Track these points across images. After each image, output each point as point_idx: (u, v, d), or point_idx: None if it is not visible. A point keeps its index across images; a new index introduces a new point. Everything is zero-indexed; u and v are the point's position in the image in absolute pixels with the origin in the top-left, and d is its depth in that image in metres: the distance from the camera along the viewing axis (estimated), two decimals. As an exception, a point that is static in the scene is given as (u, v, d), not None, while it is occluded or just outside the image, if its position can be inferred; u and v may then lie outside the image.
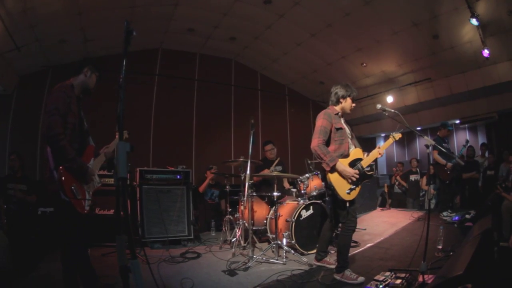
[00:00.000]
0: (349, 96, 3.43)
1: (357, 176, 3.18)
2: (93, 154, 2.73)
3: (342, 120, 3.48)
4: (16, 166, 4.94)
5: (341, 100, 3.45)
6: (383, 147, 3.47)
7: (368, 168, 3.36)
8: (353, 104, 3.50)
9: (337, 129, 3.33)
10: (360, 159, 3.34)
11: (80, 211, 2.40)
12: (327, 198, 4.65)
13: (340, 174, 3.19)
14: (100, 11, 5.97)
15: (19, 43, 5.44)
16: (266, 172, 5.35)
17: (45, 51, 6.58)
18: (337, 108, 3.48)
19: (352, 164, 3.27)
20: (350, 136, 3.48)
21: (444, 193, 6.69)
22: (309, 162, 5.42)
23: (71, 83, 2.62)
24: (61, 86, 2.50)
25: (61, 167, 2.34)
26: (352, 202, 3.28)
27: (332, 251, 4.25)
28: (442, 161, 6.33)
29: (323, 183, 3.58)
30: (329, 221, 3.69)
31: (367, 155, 3.40)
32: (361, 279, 3.14)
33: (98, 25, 6.37)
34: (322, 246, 3.77)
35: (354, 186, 3.21)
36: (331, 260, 3.76)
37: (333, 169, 3.18)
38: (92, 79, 2.73)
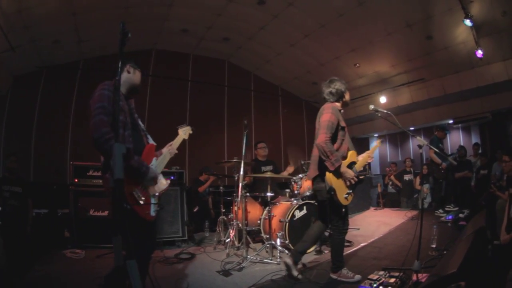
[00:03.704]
0: (347, 89, 3.30)
1: (356, 179, 3.07)
2: (155, 154, 2.53)
3: None
4: (15, 168, 4.99)
5: (345, 94, 3.26)
6: (372, 151, 3.51)
7: (361, 172, 3.29)
8: None
9: (342, 127, 3.16)
10: (355, 163, 3.25)
11: (144, 217, 2.21)
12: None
13: (341, 177, 3.04)
14: (94, 11, 5.91)
15: (13, 43, 5.38)
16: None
17: (40, 51, 6.51)
18: (339, 104, 3.26)
19: (349, 167, 3.13)
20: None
21: (438, 191, 6.89)
22: (302, 162, 5.41)
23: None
24: (103, 84, 2.24)
25: None
26: (345, 206, 3.21)
27: (326, 251, 4.26)
28: (438, 160, 6.57)
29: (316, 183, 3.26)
30: (321, 224, 3.35)
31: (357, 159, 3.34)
32: (357, 277, 3.15)
33: (92, 26, 6.31)
34: (303, 247, 3.33)
35: (351, 191, 3.11)
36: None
37: (336, 171, 2.98)
38: (137, 75, 2.50)
